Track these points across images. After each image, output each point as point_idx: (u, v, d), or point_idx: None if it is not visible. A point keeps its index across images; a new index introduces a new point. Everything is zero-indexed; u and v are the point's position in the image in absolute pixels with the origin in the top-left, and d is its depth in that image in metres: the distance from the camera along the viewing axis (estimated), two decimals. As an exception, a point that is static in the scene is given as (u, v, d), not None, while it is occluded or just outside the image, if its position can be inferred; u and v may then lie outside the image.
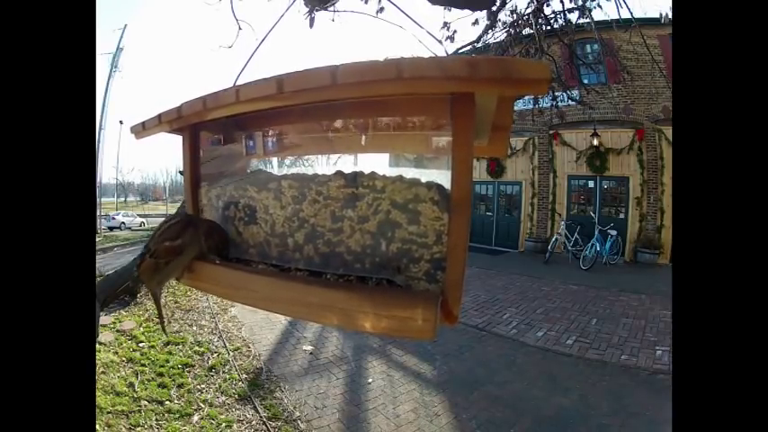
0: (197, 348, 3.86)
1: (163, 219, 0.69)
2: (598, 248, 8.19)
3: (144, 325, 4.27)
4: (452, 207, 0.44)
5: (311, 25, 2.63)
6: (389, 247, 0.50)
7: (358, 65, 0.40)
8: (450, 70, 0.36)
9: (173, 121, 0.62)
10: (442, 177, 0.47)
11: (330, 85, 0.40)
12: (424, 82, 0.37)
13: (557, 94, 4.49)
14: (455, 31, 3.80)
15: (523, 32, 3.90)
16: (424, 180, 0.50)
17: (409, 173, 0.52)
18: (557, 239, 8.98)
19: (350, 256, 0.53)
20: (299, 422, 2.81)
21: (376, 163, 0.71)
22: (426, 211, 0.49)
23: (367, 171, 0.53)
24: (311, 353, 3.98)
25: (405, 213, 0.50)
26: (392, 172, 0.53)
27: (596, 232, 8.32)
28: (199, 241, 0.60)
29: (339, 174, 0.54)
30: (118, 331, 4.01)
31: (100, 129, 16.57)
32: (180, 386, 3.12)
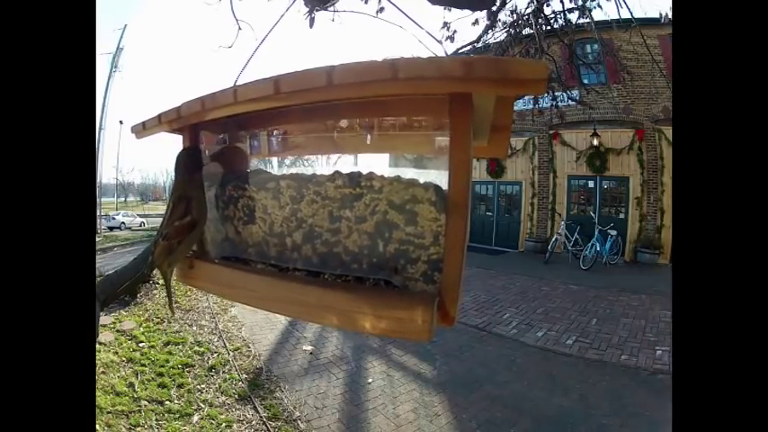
0: (197, 348, 3.86)
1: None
2: (598, 248, 8.19)
3: (144, 325, 4.27)
4: (450, 208, 0.44)
5: (311, 25, 2.63)
6: (387, 247, 0.50)
7: (354, 65, 0.40)
8: (446, 70, 0.35)
9: (172, 121, 0.62)
10: (442, 178, 0.47)
11: (326, 86, 0.40)
12: (420, 82, 0.37)
13: (557, 94, 4.49)
14: (455, 31, 3.81)
15: (523, 32, 3.90)
16: (422, 181, 0.50)
17: (409, 173, 0.52)
18: (557, 239, 8.98)
19: (347, 257, 0.53)
20: (299, 422, 2.81)
21: (376, 163, 0.71)
22: (424, 212, 0.48)
23: (366, 171, 0.53)
24: (311, 353, 3.98)
25: (402, 214, 0.50)
26: (392, 172, 0.53)
27: (596, 232, 8.31)
28: (202, 200, 0.64)
29: (337, 174, 0.54)
30: (118, 331, 4.01)
31: (100, 129, 16.59)
32: (180, 386, 3.12)
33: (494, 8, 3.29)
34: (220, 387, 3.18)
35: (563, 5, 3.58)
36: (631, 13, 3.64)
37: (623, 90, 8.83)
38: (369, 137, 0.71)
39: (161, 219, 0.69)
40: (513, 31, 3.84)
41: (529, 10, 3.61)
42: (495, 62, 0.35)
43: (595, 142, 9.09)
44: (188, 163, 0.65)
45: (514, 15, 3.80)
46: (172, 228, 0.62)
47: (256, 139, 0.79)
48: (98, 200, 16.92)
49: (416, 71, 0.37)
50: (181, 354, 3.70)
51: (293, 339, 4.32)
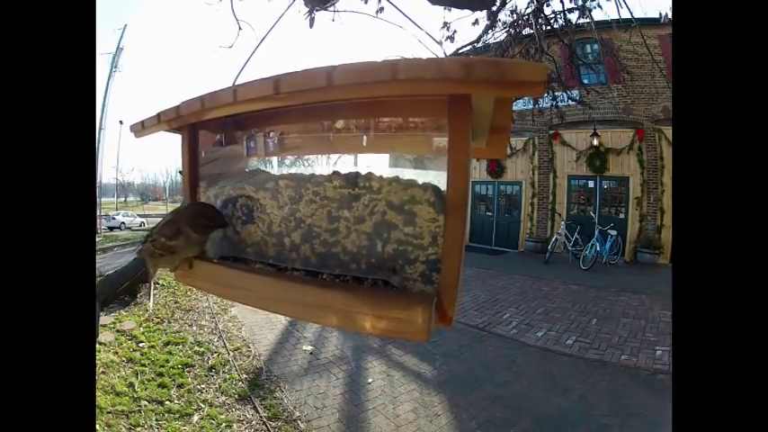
0: (197, 348, 3.86)
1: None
2: (598, 248, 8.18)
3: (144, 325, 4.27)
4: (448, 209, 0.44)
5: (311, 25, 2.63)
6: (385, 248, 0.50)
7: (354, 66, 0.40)
8: (445, 72, 0.35)
9: (171, 120, 0.62)
10: (441, 178, 0.47)
11: (326, 87, 0.40)
12: (419, 83, 0.37)
13: (557, 94, 4.49)
14: (455, 32, 3.81)
15: (523, 32, 3.89)
16: (421, 181, 0.50)
17: (408, 173, 0.52)
18: (557, 239, 8.97)
19: (346, 257, 0.53)
20: (299, 422, 2.81)
21: (376, 163, 0.71)
22: (422, 213, 0.48)
23: (365, 171, 0.53)
24: (311, 353, 3.98)
25: (401, 214, 0.50)
26: (391, 172, 0.53)
27: (596, 232, 8.31)
28: (192, 246, 0.62)
29: (335, 174, 0.54)
30: (118, 331, 4.01)
31: (100, 129, 16.60)
32: (180, 386, 3.12)
33: (494, 8, 3.28)
34: (220, 387, 3.17)
35: (563, 5, 3.58)
36: (631, 13, 3.64)
37: (623, 90, 8.82)
38: (367, 137, 0.71)
39: (161, 219, 0.69)
40: (513, 31, 3.84)
41: (529, 10, 3.61)
42: (495, 64, 0.35)
43: (595, 142, 9.08)
44: (199, 214, 0.63)
45: (514, 15, 3.80)
46: (159, 240, 0.62)
47: (255, 138, 0.79)
48: (98, 200, 16.92)
49: (416, 72, 0.37)
50: (181, 354, 3.70)
51: (293, 339, 4.32)
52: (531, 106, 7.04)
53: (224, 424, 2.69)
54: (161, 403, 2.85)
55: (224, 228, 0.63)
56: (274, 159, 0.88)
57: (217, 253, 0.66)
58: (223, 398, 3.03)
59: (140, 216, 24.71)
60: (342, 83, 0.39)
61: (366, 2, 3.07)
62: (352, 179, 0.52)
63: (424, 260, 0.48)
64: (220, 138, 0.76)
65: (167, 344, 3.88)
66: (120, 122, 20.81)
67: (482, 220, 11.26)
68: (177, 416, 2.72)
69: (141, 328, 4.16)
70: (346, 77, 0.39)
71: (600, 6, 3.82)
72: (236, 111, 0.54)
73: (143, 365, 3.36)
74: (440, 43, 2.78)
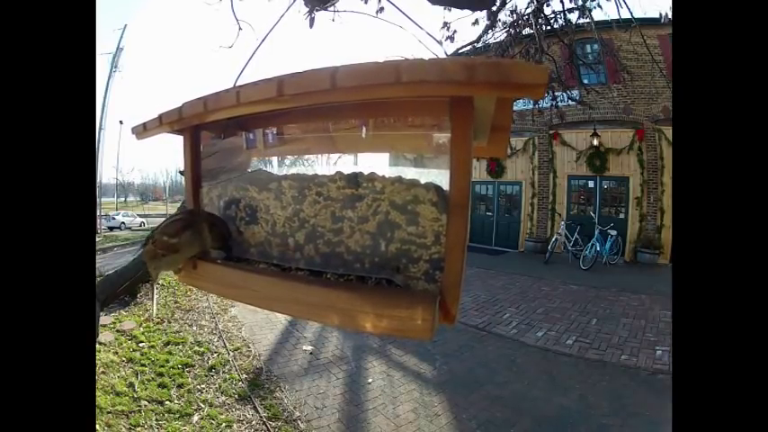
0: (197, 348, 3.86)
1: (164, 218, 0.70)
2: (598, 248, 8.18)
3: (144, 325, 4.27)
4: (451, 208, 0.44)
5: (311, 25, 2.63)
6: (388, 247, 0.51)
7: (357, 68, 0.40)
8: (448, 74, 0.36)
9: (173, 122, 0.62)
10: (442, 177, 0.48)
11: (329, 89, 0.40)
12: (422, 86, 0.37)
13: (557, 94, 4.49)
14: (455, 31, 3.81)
15: (523, 32, 3.89)
16: (423, 181, 0.50)
17: (409, 173, 0.52)
18: (557, 239, 8.98)
19: (350, 256, 0.53)
20: (299, 422, 2.81)
21: (376, 163, 0.71)
22: (425, 212, 0.49)
23: (367, 171, 0.53)
24: (311, 353, 3.98)
25: (404, 214, 0.50)
26: (392, 172, 0.53)
27: (596, 232, 8.31)
28: (198, 242, 0.61)
29: (339, 174, 0.54)
30: (118, 331, 4.01)
31: (100, 129, 16.57)
32: (180, 386, 3.12)
33: (494, 8, 3.29)
34: (220, 387, 3.18)
35: (563, 5, 3.58)
36: (631, 13, 3.65)
37: (623, 90, 8.82)
38: (369, 137, 0.71)
39: (161, 219, 0.69)
40: (513, 31, 3.84)
41: (529, 10, 3.61)
42: (497, 66, 0.35)
43: (595, 142, 9.09)
44: (219, 221, 0.64)
45: (514, 15, 3.80)
46: (161, 240, 0.61)
47: (256, 138, 0.79)
48: (98, 200, 16.91)
49: (419, 75, 0.37)
50: (181, 354, 3.70)
51: (293, 339, 4.32)
52: (531, 106, 7.05)
53: (224, 424, 2.69)
54: (161, 403, 2.85)
55: (224, 246, 0.63)
56: (274, 159, 0.89)
57: (220, 254, 0.66)
58: (223, 398, 3.03)
59: (140, 216, 24.70)
60: (345, 85, 0.39)
61: (366, 2, 3.07)
62: (356, 179, 0.53)
63: (428, 259, 0.48)
64: (219, 133, 0.76)
65: (167, 344, 3.87)
66: (120, 122, 20.80)
67: (482, 220, 11.26)
68: (177, 416, 2.72)
69: (141, 328, 4.16)
70: (350, 80, 0.40)
71: (600, 6, 3.83)
72: (239, 113, 0.54)
73: (143, 365, 3.36)
74: (440, 43, 2.79)
